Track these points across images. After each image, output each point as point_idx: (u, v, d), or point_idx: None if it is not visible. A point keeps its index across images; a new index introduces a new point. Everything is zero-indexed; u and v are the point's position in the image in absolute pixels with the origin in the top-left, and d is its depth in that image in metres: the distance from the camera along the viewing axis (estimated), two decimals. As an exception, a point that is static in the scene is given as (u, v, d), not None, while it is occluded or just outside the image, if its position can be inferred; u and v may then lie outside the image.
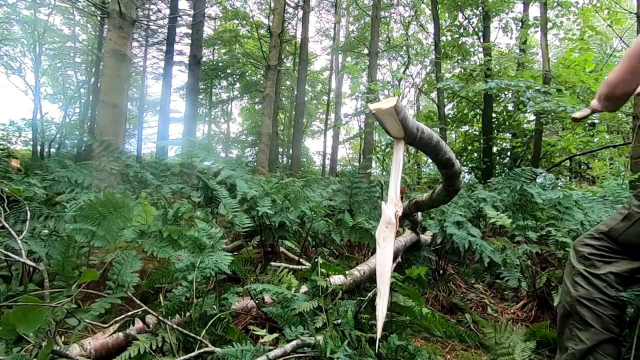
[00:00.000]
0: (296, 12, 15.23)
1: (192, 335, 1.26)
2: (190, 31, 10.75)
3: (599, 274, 1.18)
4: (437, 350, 1.80)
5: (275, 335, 1.37)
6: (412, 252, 2.91)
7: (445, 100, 10.81)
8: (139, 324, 1.35)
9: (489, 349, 1.85)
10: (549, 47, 9.33)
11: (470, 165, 9.98)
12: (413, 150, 14.68)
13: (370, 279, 2.25)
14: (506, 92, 7.89)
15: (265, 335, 1.34)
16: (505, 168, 9.05)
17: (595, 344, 1.13)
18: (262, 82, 16.06)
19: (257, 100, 19.59)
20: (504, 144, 9.86)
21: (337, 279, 1.89)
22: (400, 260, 2.52)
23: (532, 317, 2.32)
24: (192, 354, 1.17)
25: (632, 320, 1.37)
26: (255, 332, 1.40)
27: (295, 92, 13.93)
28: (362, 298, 1.68)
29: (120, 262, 1.38)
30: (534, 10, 9.54)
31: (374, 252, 2.55)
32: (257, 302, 1.67)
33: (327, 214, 3.03)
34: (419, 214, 2.88)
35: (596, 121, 4.54)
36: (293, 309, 1.47)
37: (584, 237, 1.29)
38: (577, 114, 1.53)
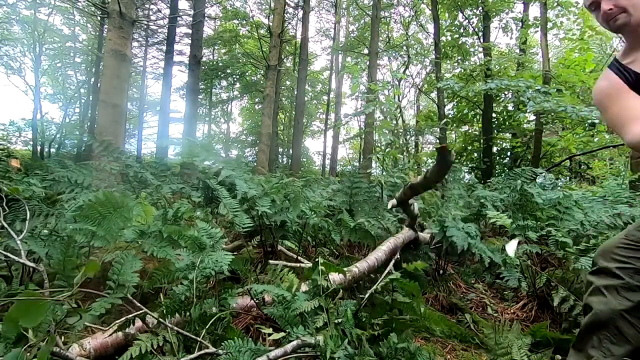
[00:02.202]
0: (296, 12, 15.23)
1: (192, 336, 1.26)
2: (190, 31, 10.75)
3: None
4: (437, 350, 1.80)
5: (282, 334, 1.37)
6: (411, 250, 2.91)
7: (445, 100, 10.81)
8: (139, 323, 1.35)
9: (489, 349, 1.85)
10: (549, 47, 9.34)
11: (470, 165, 9.98)
12: (413, 149, 14.69)
13: (369, 276, 2.25)
14: (506, 92, 7.90)
15: (271, 334, 1.35)
16: (505, 168, 9.05)
17: (623, 356, 1.13)
18: (262, 82, 16.06)
19: (257, 100, 19.58)
20: (504, 144, 9.87)
21: (337, 278, 1.89)
22: (398, 257, 2.52)
23: (532, 317, 2.32)
24: (192, 356, 1.17)
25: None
26: (260, 329, 1.41)
27: (295, 92, 13.92)
28: (361, 296, 1.68)
29: (120, 262, 1.38)
30: (534, 10, 9.54)
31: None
32: (257, 302, 1.67)
33: (327, 214, 3.03)
34: (416, 205, 2.86)
35: (596, 121, 4.54)
36: (294, 309, 1.47)
37: (627, 246, 1.22)
38: None
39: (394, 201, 2.77)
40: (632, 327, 1.13)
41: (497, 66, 9.00)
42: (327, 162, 16.79)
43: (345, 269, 1.82)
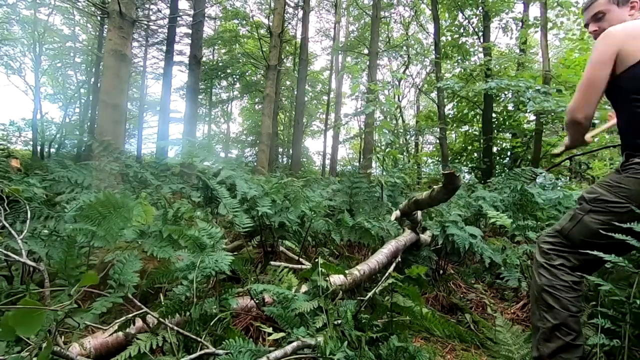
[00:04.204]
0: (296, 12, 15.23)
1: (193, 336, 1.26)
2: (190, 31, 10.74)
3: (555, 264, 1.40)
4: (437, 350, 1.81)
5: (282, 334, 1.37)
6: (412, 251, 2.91)
7: (445, 100, 10.80)
8: (139, 322, 1.35)
9: (489, 349, 1.85)
10: (549, 47, 9.33)
11: (470, 165, 9.97)
12: (413, 149, 14.68)
13: (370, 278, 2.25)
14: (506, 92, 7.90)
15: (272, 333, 1.35)
16: (505, 168, 9.05)
17: (560, 322, 1.34)
18: (262, 82, 16.05)
19: (257, 100, 19.57)
20: (504, 144, 9.86)
21: (337, 279, 1.89)
22: (399, 260, 2.52)
23: (532, 317, 2.32)
24: (193, 356, 1.17)
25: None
26: (260, 328, 1.40)
27: (295, 92, 13.92)
28: (361, 298, 1.68)
29: (122, 261, 1.38)
30: (534, 10, 9.53)
31: (374, 252, 2.55)
32: (257, 302, 1.67)
33: (327, 214, 3.03)
34: (419, 213, 2.88)
35: (596, 121, 4.53)
36: (293, 309, 1.47)
37: (544, 234, 1.50)
38: (556, 150, 1.73)
39: (397, 213, 2.78)
40: (550, 295, 1.37)
41: (497, 66, 8.99)
42: (327, 162, 16.78)
43: (347, 271, 1.82)
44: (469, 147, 10.26)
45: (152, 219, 1.76)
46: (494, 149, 9.52)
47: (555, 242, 1.43)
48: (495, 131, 9.35)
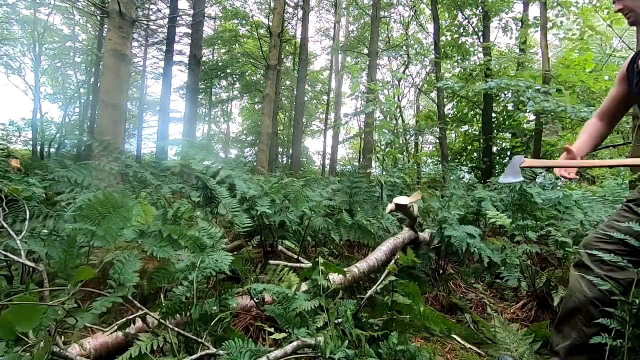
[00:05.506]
0: (296, 12, 15.23)
1: (193, 337, 1.26)
2: (190, 31, 10.74)
3: (619, 279, 1.28)
4: (437, 350, 1.80)
5: (284, 335, 1.37)
6: (412, 249, 2.90)
7: (445, 100, 10.81)
8: (139, 323, 1.35)
9: (489, 349, 1.85)
10: (549, 47, 9.32)
11: (470, 165, 9.98)
12: (413, 149, 14.68)
13: (370, 276, 2.25)
14: (506, 92, 7.90)
15: (273, 333, 1.35)
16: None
17: (596, 336, 1.27)
18: (262, 82, 16.05)
19: (257, 100, 19.57)
20: (504, 144, 9.87)
21: (337, 278, 1.88)
22: (397, 258, 2.52)
23: (532, 317, 2.32)
24: (194, 357, 1.17)
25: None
26: (262, 328, 1.40)
27: (295, 92, 13.92)
28: (362, 296, 1.68)
29: (122, 261, 1.38)
30: (534, 10, 9.54)
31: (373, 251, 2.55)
32: (257, 302, 1.67)
33: (327, 213, 3.03)
34: (415, 207, 2.87)
35: None
36: (294, 309, 1.47)
37: (597, 240, 1.36)
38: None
39: (392, 205, 2.78)
40: (599, 312, 1.28)
41: (497, 66, 9.00)
42: (327, 162, 16.78)
43: (345, 269, 1.82)
44: (469, 147, 10.27)
45: (152, 219, 1.75)
46: (494, 149, 9.54)
47: (619, 253, 1.30)
48: (495, 131, 9.36)
